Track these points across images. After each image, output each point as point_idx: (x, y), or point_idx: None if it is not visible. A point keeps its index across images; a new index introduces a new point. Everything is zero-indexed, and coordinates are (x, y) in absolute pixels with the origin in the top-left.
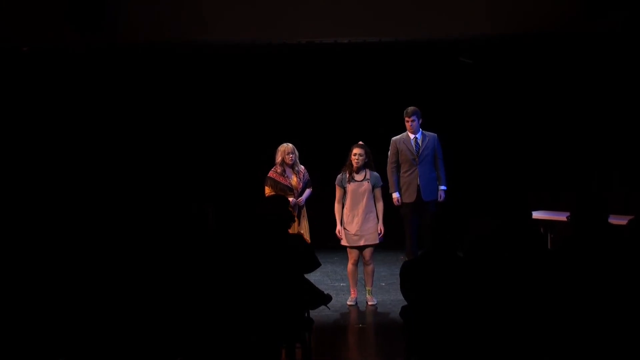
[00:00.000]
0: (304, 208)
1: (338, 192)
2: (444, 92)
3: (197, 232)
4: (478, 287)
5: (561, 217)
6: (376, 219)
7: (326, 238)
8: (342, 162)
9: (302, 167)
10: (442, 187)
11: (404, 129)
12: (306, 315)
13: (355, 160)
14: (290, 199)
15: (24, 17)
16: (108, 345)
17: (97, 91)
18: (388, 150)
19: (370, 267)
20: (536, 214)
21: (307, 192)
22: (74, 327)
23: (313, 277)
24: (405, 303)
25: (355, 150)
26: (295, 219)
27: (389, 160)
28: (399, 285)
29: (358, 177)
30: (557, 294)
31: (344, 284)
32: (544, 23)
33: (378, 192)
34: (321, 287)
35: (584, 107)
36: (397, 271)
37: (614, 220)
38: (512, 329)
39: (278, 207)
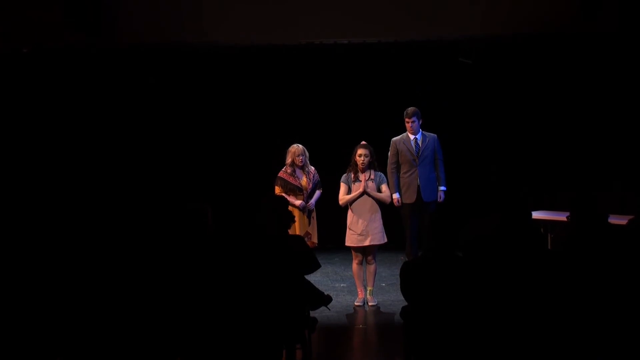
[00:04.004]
0: (314, 208)
1: (343, 188)
2: (444, 92)
3: (195, 232)
4: (478, 288)
5: (561, 217)
6: (381, 219)
7: (327, 239)
8: (342, 162)
9: (313, 168)
10: (442, 188)
11: (404, 130)
12: (308, 315)
13: (361, 162)
14: (299, 202)
15: (24, 20)
16: (107, 345)
17: (97, 92)
18: (388, 150)
19: (372, 267)
20: (536, 214)
21: (317, 194)
22: (73, 327)
23: (313, 278)
24: (406, 303)
25: (360, 151)
26: (306, 218)
27: (388, 161)
28: (399, 286)
29: (362, 177)
30: (557, 294)
31: (344, 285)
32: (543, 24)
33: (384, 186)
34: (321, 288)
35: (584, 107)
36: (398, 272)
37: (614, 220)
38: (512, 329)
39: (278, 208)
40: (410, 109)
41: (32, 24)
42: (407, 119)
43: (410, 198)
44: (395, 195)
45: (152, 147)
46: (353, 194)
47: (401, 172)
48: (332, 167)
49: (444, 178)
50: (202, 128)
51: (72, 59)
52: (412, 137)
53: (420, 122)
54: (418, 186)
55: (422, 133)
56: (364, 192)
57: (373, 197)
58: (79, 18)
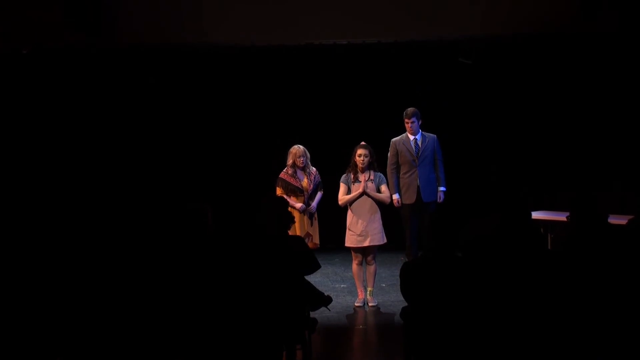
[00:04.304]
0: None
1: (342, 188)
2: (444, 92)
3: (195, 232)
4: (478, 288)
5: (561, 217)
6: (381, 220)
7: (327, 240)
8: (342, 163)
9: (314, 169)
10: (442, 188)
11: (404, 130)
12: (308, 315)
13: (361, 162)
14: (299, 205)
15: (24, 20)
16: (107, 345)
17: (97, 93)
18: (388, 150)
19: (372, 267)
20: (536, 214)
21: (319, 195)
22: (73, 327)
23: (313, 278)
24: (406, 304)
25: (360, 151)
26: (306, 220)
27: (388, 161)
28: (399, 286)
29: (362, 177)
30: (557, 294)
31: (344, 286)
32: (543, 24)
33: (384, 187)
34: (321, 288)
35: (584, 107)
36: (398, 272)
37: (614, 220)
38: (512, 330)
39: (277, 209)
40: (410, 110)
41: (32, 24)
42: (406, 120)
43: (410, 199)
44: (395, 196)
45: (152, 147)
46: (352, 194)
47: (401, 173)
48: (332, 167)
49: (444, 178)
50: (202, 128)
51: (72, 59)
52: (411, 137)
53: (420, 123)
54: (418, 187)
55: (421, 133)
56: (364, 193)
57: (372, 198)
58: (79, 18)
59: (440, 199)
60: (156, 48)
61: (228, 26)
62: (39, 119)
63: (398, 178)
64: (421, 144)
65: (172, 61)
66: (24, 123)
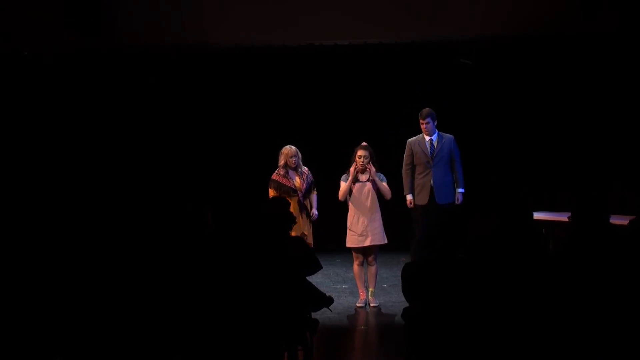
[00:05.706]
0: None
1: (343, 186)
2: (444, 92)
3: (195, 232)
4: (480, 289)
5: (562, 217)
6: (381, 220)
7: (327, 240)
8: (342, 163)
9: (306, 168)
10: (460, 190)
11: (404, 131)
12: (309, 316)
13: (361, 163)
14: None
15: (24, 20)
16: (107, 345)
17: (97, 93)
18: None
19: (373, 268)
20: (537, 215)
21: (315, 198)
22: (73, 327)
23: (315, 279)
24: (408, 305)
25: (360, 152)
26: (305, 219)
27: (404, 162)
28: (400, 287)
29: (362, 177)
30: (558, 295)
31: (346, 286)
32: (543, 24)
33: (384, 184)
34: (323, 289)
35: (584, 107)
36: (399, 273)
37: (615, 220)
38: (514, 331)
39: (279, 209)
40: (425, 110)
41: (32, 24)
42: (421, 120)
43: (423, 200)
44: (409, 197)
45: (152, 148)
46: (348, 182)
47: (416, 174)
48: (332, 168)
49: (462, 180)
50: (202, 128)
51: (73, 60)
52: (427, 138)
53: (436, 123)
54: (431, 188)
55: (438, 134)
56: (370, 178)
57: (378, 186)
58: (79, 18)
59: (458, 200)
60: (156, 48)
61: (228, 26)
62: (39, 119)
63: (413, 179)
64: (437, 144)
65: (172, 61)
66: (25, 123)
